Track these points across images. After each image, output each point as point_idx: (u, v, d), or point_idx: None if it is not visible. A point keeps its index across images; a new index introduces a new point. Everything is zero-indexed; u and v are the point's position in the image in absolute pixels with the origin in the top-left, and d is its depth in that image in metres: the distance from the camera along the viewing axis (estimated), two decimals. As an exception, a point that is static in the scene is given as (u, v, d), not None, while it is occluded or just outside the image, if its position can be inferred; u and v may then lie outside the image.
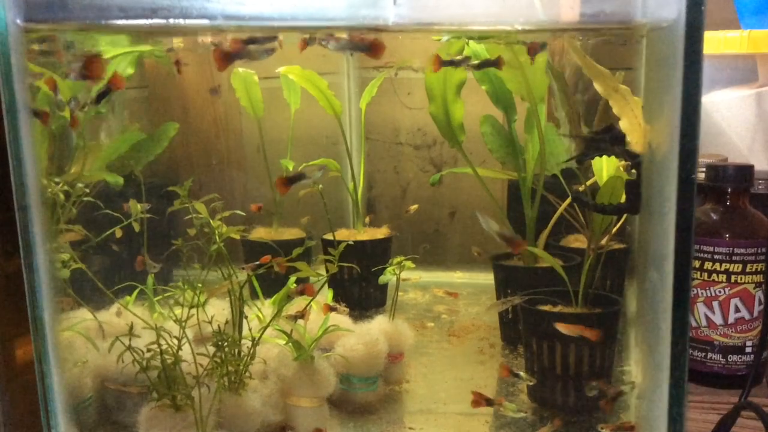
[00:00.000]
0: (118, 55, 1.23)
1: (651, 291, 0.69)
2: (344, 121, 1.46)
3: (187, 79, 1.58)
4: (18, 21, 0.77)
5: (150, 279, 1.09)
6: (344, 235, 1.40)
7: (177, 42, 1.24)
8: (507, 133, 1.32)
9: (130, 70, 1.26)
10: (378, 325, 1.09)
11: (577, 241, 1.34)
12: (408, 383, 1.12)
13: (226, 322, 0.92)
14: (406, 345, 1.11)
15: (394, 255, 1.43)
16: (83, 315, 1.05)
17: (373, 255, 1.38)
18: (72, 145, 1.21)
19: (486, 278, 1.52)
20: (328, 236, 1.33)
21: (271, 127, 1.46)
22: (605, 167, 1.05)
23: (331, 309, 1.03)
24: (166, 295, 1.08)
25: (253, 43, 0.80)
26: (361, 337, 1.04)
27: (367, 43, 0.81)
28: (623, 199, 0.96)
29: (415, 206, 1.47)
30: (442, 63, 0.97)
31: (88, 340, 0.99)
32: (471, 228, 1.63)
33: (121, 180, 1.24)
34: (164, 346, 0.86)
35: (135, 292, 1.10)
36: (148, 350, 0.85)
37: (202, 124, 1.63)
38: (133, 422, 0.98)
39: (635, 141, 1.00)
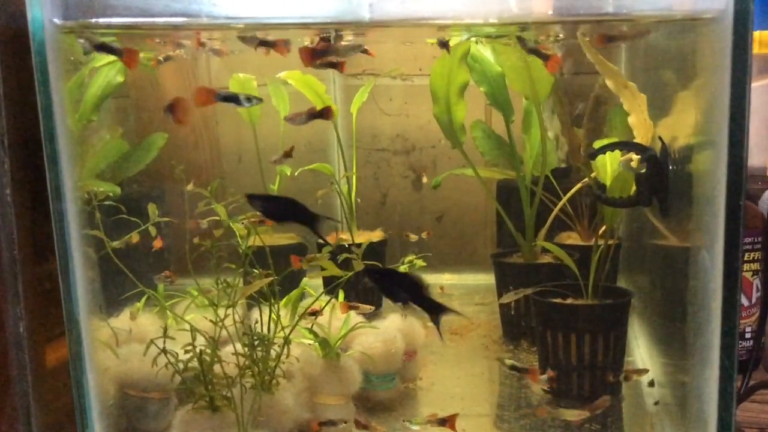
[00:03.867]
0: (106, 63, 1.22)
1: (702, 271, 0.72)
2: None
3: (168, 88, 1.57)
4: (55, 20, 0.76)
5: (161, 287, 1.08)
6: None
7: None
8: (497, 137, 1.35)
9: (120, 79, 1.25)
10: (392, 323, 1.10)
11: (570, 238, 1.37)
12: (422, 380, 1.13)
13: (255, 323, 0.92)
14: (419, 343, 1.12)
15: (388, 257, 1.44)
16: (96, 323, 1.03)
17: (369, 258, 1.38)
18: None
19: (475, 279, 1.55)
20: (342, 238, 1.33)
21: (255, 135, 1.45)
22: (609, 163, 1.08)
23: (351, 307, 1.03)
24: (174, 300, 1.07)
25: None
26: (379, 335, 1.05)
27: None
28: (632, 191, 0.99)
29: None
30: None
31: (107, 347, 0.98)
32: (457, 231, 1.65)
33: (117, 189, 1.22)
34: (198, 348, 0.85)
35: (143, 299, 1.08)
36: (186, 352, 0.84)
37: (179, 133, 1.61)
38: (155, 428, 0.97)
39: (641, 136, 1.04)
